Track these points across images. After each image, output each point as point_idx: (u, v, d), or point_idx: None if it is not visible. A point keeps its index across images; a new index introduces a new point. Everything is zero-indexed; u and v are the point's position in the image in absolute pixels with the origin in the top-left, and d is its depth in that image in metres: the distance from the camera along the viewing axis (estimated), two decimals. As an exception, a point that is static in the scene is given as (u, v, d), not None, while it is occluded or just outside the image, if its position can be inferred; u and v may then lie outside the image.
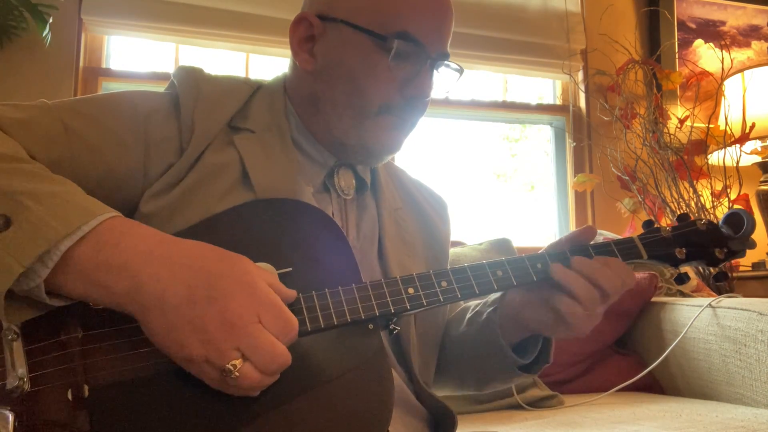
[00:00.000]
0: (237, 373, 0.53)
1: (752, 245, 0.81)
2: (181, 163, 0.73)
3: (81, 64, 1.87)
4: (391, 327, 0.67)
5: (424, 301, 0.67)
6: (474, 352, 0.85)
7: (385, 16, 0.75)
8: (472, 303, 0.91)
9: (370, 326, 0.64)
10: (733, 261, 2.14)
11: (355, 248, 0.80)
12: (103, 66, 1.94)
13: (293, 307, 0.60)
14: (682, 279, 0.81)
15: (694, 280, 1.88)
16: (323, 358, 0.61)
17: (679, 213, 0.85)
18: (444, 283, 0.69)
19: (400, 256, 0.83)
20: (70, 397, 0.55)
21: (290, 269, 0.64)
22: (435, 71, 0.81)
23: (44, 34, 1.64)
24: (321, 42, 0.80)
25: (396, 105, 0.78)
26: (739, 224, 0.80)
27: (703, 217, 0.81)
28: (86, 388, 0.56)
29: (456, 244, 1.73)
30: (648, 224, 0.82)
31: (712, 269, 0.85)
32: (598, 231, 0.81)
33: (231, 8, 1.92)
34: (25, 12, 1.65)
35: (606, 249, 0.78)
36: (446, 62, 0.81)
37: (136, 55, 2.05)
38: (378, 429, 0.60)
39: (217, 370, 0.53)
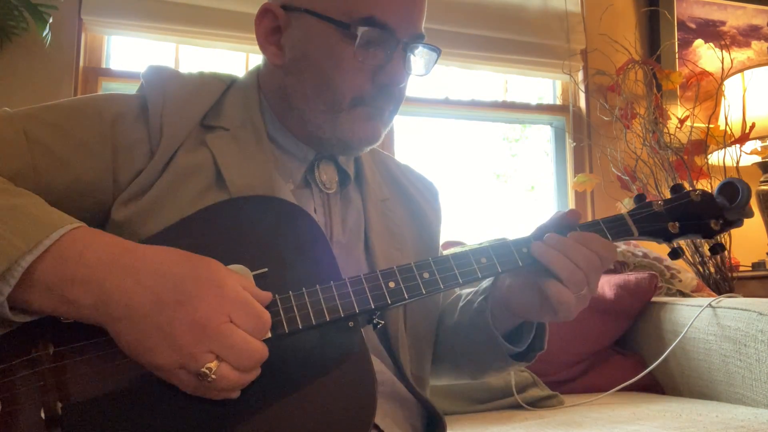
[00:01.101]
0: (213, 376, 0.52)
1: (749, 214, 0.78)
2: (151, 167, 0.70)
3: (81, 64, 1.87)
4: (375, 321, 0.66)
5: (405, 294, 0.65)
6: (468, 342, 0.84)
7: (348, 1, 0.72)
8: (465, 291, 0.89)
9: (351, 324, 0.63)
10: (733, 261, 2.15)
11: (341, 243, 0.78)
12: (103, 66, 1.94)
13: (270, 309, 0.58)
14: (677, 253, 0.79)
15: (694, 280, 1.88)
16: (304, 359, 0.60)
17: (672, 186, 0.82)
18: (426, 275, 0.67)
19: (387, 249, 0.81)
20: (43, 416, 0.54)
21: (266, 270, 0.62)
22: (411, 54, 0.77)
23: (44, 34, 1.64)
24: (287, 34, 0.77)
25: (369, 95, 0.74)
26: (734, 194, 0.77)
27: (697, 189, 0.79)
28: (59, 405, 0.54)
29: (456, 244, 1.73)
30: (639, 198, 0.80)
31: (706, 245, 0.83)
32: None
33: (231, 8, 1.92)
34: (25, 12, 1.65)
35: (594, 228, 0.75)
36: (421, 44, 0.77)
37: (136, 55, 2.05)
38: (361, 427, 0.59)
39: (193, 375, 0.52)
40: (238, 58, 2.10)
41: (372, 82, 0.74)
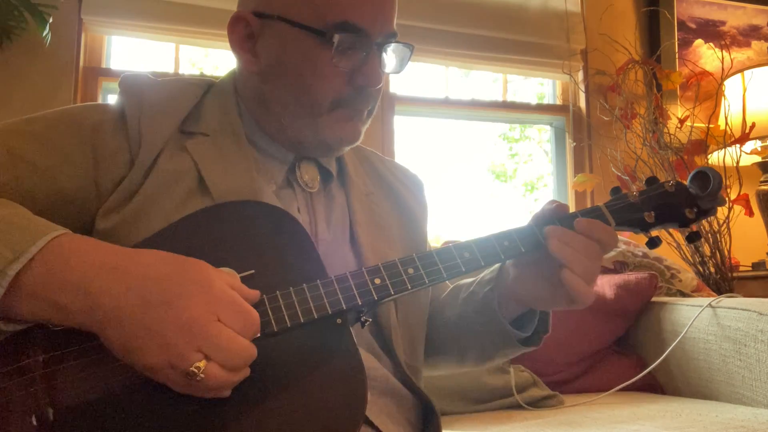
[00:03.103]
0: (202, 375, 0.52)
1: (722, 202, 0.80)
2: (133, 175, 0.71)
3: (81, 64, 1.87)
4: (362, 319, 0.66)
5: (391, 290, 0.66)
6: (473, 332, 0.85)
7: (321, 7, 0.72)
8: (464, 282, 0.90)
9: (338, 321, 0.63)
10: (733, 261, 2.14)
11: (326, 240, 0.79)
12: (103, 66, 1.94)
13: (258, 308, 0.59)
14: (655, 242, 0.80)
15: (694, 280, 1.88)
16: (294, 357, 0.61)
17: (647, 179, 0.84)
18: (411, 270, 0.68)
19: (374, 242, 0.82)
20: (34, 422, 0.54)
21: (252, 272, 0.63)
22: (384, 53, 0.78)
23: (44, 34, 1.63)
24: (261, 41, 0.77)
25: (348, 97, 0.75)
26: (706, 182, 0.79)
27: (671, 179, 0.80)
28: (51, 411, 0.55)
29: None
30: (615, 191, 0.81)
31: (683, 230, 0.85)
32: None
33: (231, 8, 1.91)
34: (25, 12, 1.65)
35: (570, 220, 0.76)
36: (395, 42, 0.78)
37: (136, 55, 2.05)
38: (351, 423, 0.59)
39: (182, 374, 0.52)
40: (238, 58, 2.10)
41: (349, 84, 0.75)
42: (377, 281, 0.66)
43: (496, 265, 0.83)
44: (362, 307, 0.65)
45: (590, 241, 0.72)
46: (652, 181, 0.82)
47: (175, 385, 0.54)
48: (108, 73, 1.92)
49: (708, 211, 0.80)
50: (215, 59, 2.10)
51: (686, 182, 0.81)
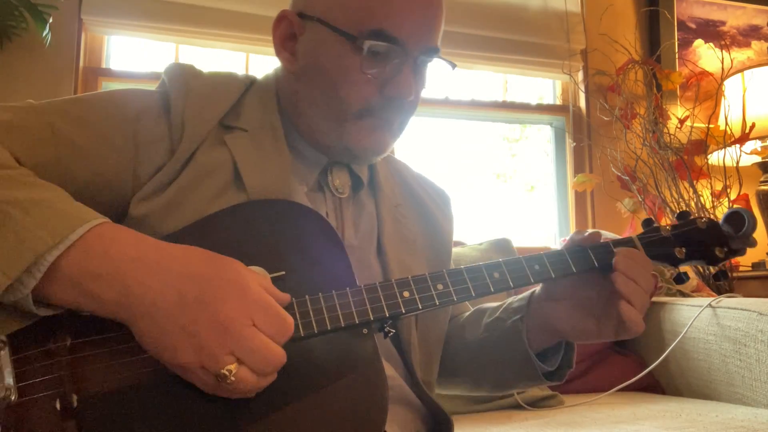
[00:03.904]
0: (233, 378, 0.52)
1: (753, 244, 0.80)
2: (171, 164, 0.71)
3: (81, 64, 1.87)
4: (386, 329, 0.66)
5: (419, 304, 0.66)
6: (495, 359, 0.84)
7: (359, 13, 0.72)
8: (487, 306, 0.89)
9: (365, 330, 0.63)
10: (733, 261, 2.15)
11: (353, 247, 0.79)
12: (103, 66, 1.94)
13: (286, 311, 0.59)
14: (682, 278, 0.80)
15: (694, 280, 1.88)
16: (318, 364, 0.61)
17: (679, 213, 0.84)
18: (440, 286, 0.68)
19: (399, 254, 0.82)
20: (58, 407, 0.54)
21: (283, 273, 0.63)
22: (424, 67, 0.77)
23: (44, 34, 1.64)
24: (301, 41, 0.78)
25: (377, 106, 0.75)
26: (740, 223, 0.79)
27: (703, 215, 0.80)
28: (75, 397, 0.55)
29: (456, 244, 1.73)
30: (648, 223, 0.81)
31: (711, 268, 0.84)
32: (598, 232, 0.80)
33: (231, 8, 1.92)
34: (25, 12, 1.65)
35: (605, 250, 0.77)
36: (435, 57, 0.77)
37: (136, 55, 2.05)
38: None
39: (212, 375, 0.52)
40: (238, 58, 2.10)
41: (380, 94, 0.74)
42: (406, 294, 0.66)
43: (525, 293, 0.83)
44: (388, 319, 0.65)
45: (649, 275, 0.73)
46: (684, 215, 0.82)
47: (204, 385, 0.54)
48: (108, 74, 1.92)
49: (737, 251, 0.80)
50: (215, 59, 2.10)
51: (720, 220, 0.81)
